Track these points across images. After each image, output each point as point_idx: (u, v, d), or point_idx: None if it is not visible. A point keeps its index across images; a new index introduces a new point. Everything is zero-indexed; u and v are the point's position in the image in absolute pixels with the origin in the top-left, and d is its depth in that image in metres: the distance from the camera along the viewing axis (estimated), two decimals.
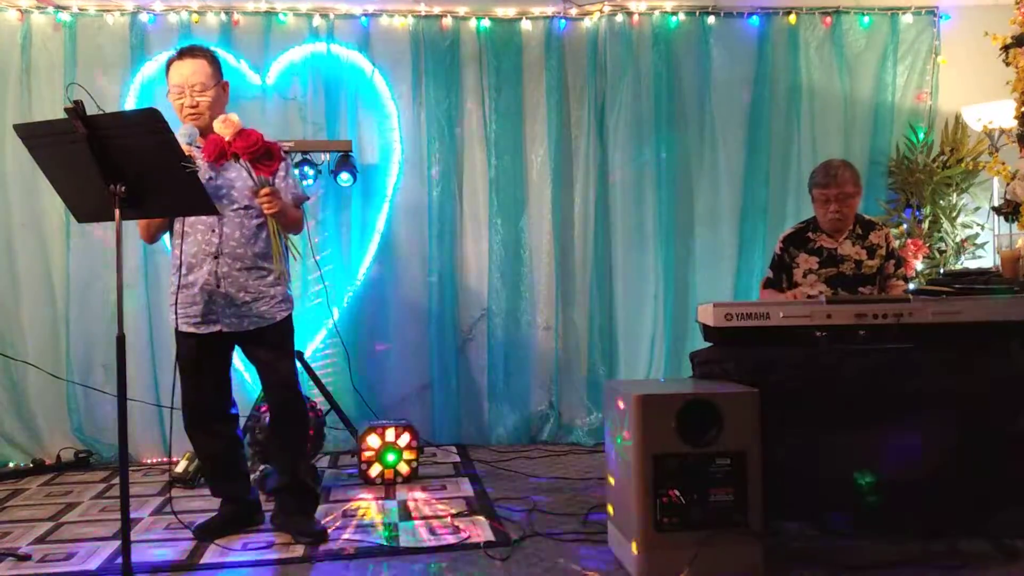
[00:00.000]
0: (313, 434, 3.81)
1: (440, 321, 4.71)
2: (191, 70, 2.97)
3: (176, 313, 3.04)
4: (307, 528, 3.11)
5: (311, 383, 4.20)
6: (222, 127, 2.79)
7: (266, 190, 2.89)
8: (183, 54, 3.01)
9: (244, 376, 4.35)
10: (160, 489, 3.92)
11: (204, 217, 2.97)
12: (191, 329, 3.04)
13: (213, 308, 3.01)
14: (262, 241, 3.04)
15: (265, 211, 2.93)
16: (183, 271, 3.02)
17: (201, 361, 3.09)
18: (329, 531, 3.14)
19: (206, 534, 3.10)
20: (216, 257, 2.99)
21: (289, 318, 3.17)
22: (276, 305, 3.09)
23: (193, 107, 2.97)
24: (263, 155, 2.82)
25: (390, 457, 3.89)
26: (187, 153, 2.77)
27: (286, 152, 3.16)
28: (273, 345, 3.11)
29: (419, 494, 3.71)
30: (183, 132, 2.90)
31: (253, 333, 3.06)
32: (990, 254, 4.66)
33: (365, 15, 4.65)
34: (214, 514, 3.23)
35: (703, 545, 2.52)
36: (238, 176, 3.01)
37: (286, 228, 3.13)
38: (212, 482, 3.29)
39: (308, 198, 3.25)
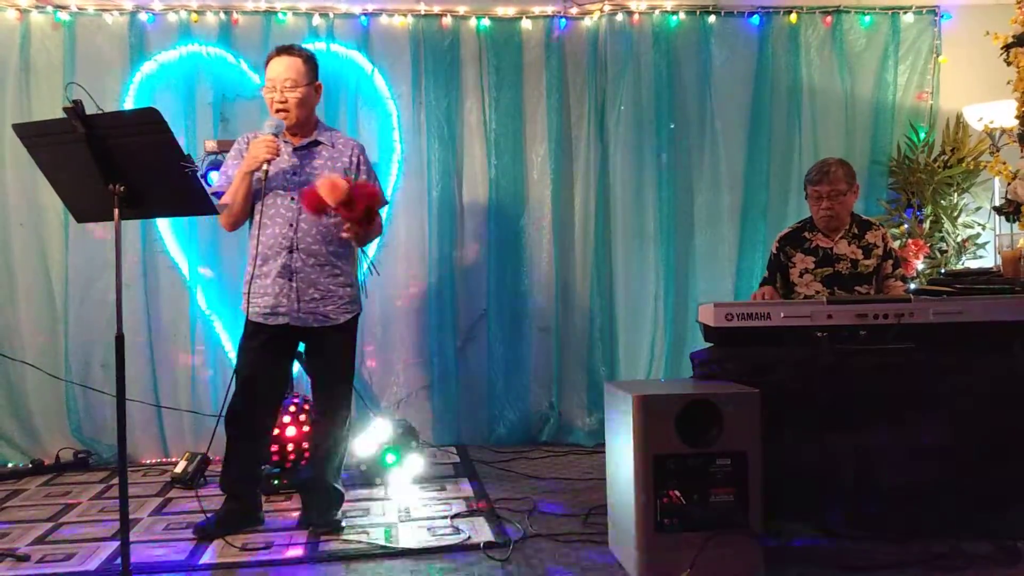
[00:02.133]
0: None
1: (440, 321, 4.70)
2: (284, 66, 3.06)
3: (251, 303, 3.11)
4: (323, 519, 3.19)
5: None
6: (328, 192, 2.85)
7: (349, 234, 3.00)
8: (280, 51, 3.11)
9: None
10: (159, 489, 3.91)
11: (283, 210, 3.06)
12: (259, 319, 3.11)
13: (283, 300, 3.06)
14: (338, 239, 3.09)
15: (344, 237, 3.02)
16: (258, 261, 3.08)
17: (263, 356, 3.13)
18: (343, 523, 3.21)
19: (206, 534, 3.10)
20: (291, 251, 3.05)
21: (354, 320, 3.22)
22: (343, 306, 3.15)
23: (282, 103, 3.06)
24: (363, 218, 2.93)
25: (389, 458, 3.88)
26: (270, 142, 2.92)
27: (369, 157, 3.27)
28: (330, 359, 3.18)
29: (419, 495, 3.70)
30: (269, 124, 3.01)
31: (317, 332, 3.12)
32: (991, 254, 4.66)
33: (364, 14, 4.64)
34: (214, 513, 3.22)
35: (704, 546, 2.52)
36: (322, 173, 3.05)
37: (365, 239, 3.23)
38: (226, 477, 3.26)
39: (387, 202, 3.30)
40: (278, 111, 3.06)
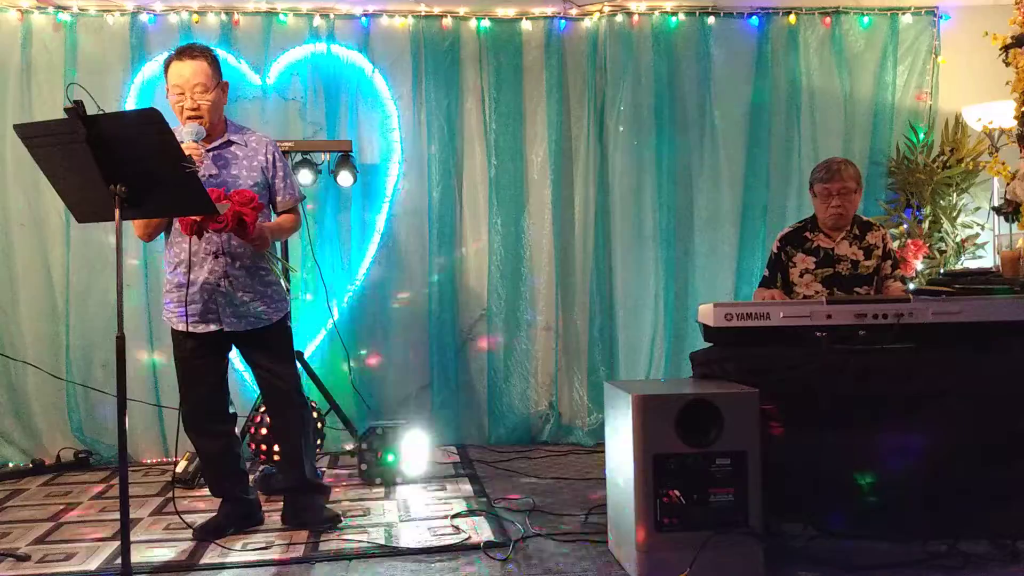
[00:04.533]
0: (316, 434, 3.84)
1: (440, 321, 4.70)
2: (191, 71, 2.93)
3: (177, 313, 3.03)
4: (320, 518, 3.16)
5: (311, 383, 4.20)
6: None
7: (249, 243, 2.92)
8: (182, 54, 2.97)
9: (244, 376, 4.35)
10: (160, 489, 3.91)
11: None
12: (189, 328, 3.03)
13: (212, 307, 3.00)
14: None
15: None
16: (182, 269, 3.00)
17: (199, 361, 3.08)
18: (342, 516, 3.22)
19: (206, 534, 3.10)
20: (218, 256, 2.99)
21: (286, 318, 3.17)
22: (273, 305, 3.10)
23: (194, 109, 2.94)
24: (235, 229, 2.82)
25: (390, 458, 3.88)
26: (194, 150, 2.79)
27: (285, 152, 3.16)
28: (271, 349, 3.12)
29: (419, 494, 3.71)
30: (189, 130, 2.87)
31: (250, 334, 3.07)
32: (990, 254, 4.66)
33: (365, 15, 4.65)
34: (213, 514, 3.23)
35: (703, 546, 2.52)
36: (240, 173, 3.01)
37: (282, 237, 3.15)
38: (211, 482, 3.30)
39: (303, 197, 3.26)
40: (190, 118, 2.92)
